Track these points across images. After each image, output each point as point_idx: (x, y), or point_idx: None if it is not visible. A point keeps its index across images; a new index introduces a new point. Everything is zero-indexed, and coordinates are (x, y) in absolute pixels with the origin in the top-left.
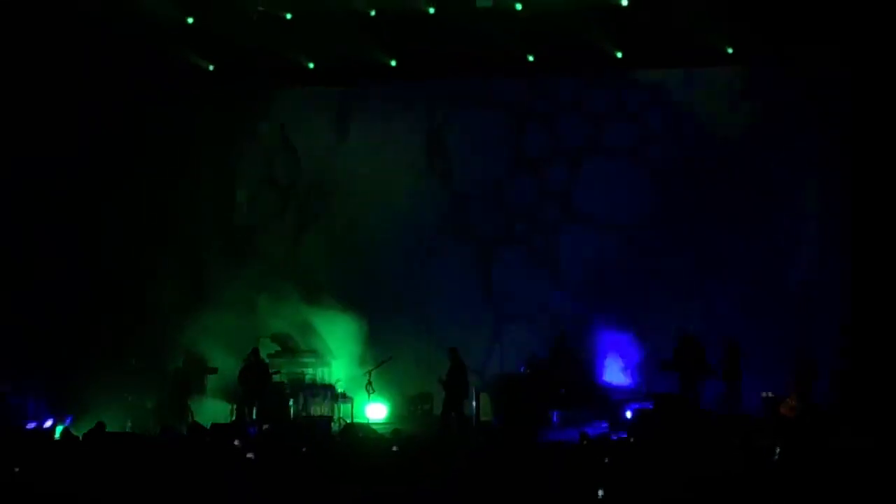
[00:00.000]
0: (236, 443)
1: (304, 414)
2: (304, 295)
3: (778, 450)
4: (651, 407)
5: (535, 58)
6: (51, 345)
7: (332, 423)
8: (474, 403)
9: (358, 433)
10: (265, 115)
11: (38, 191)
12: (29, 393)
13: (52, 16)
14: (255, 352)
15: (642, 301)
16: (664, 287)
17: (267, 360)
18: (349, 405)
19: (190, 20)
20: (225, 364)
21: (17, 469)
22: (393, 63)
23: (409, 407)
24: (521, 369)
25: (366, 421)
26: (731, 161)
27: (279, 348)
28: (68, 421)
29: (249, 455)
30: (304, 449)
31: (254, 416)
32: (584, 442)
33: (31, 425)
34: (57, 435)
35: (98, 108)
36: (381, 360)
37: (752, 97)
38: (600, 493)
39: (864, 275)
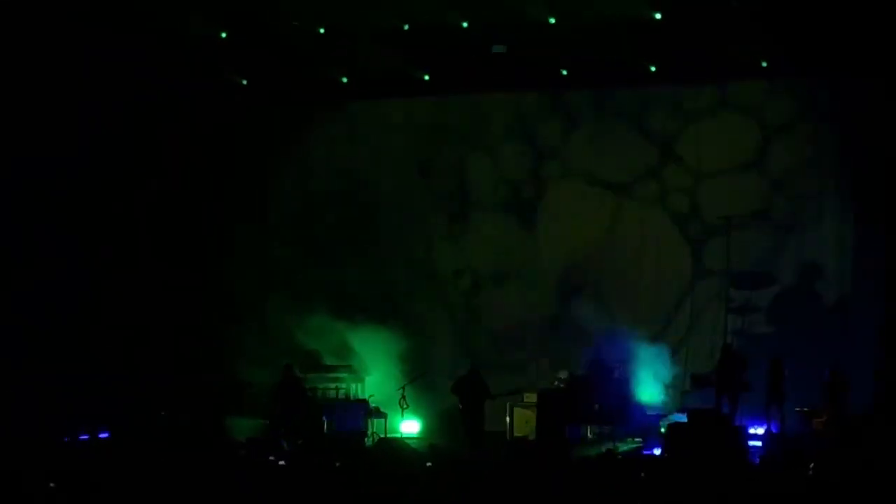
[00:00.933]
0: (271, 458)
1: (337, 429)
2: (338, 311)
3: (812, 465)
4: (685, 422)
5: (568, 72)
6: (87, 361)
7: (366, 438)
8: (508, 419)
9: (392, 448)
10: (299, 129)
11: (79, 209)
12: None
13: (92, 26)
14: (289, 367)
15: (675, 315)
16: (697, 301)
17: (300, 375)
18: (383, 420)
19: (223, 34)
20: (259, 379)
21: (52, 484)
22: (426, 77)
23: (442, 422)
24: (556, 384)
25: (399, 436)
26: (760, 171)
27: (309, 364)
28: (105, 436)
29: (281, 462)
30: (337, 464)
31: (288, 432)
32: (619, 457)
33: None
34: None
35: (137, 120)
36: (414, 375)
37: (779, 106)
38: None
39: None
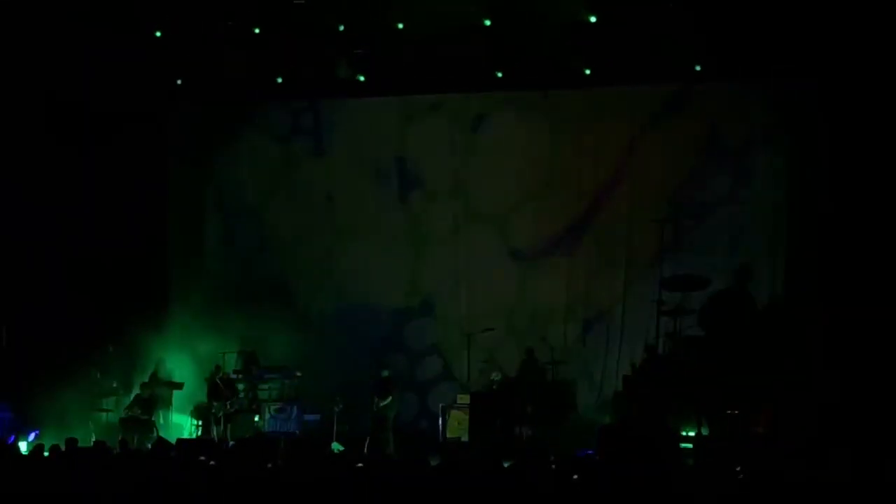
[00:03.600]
0: (202, 458)
1: (269, 429)
2: (270, 310)
3: (739, 469)
4: (617, 424)
5: (503, 74)
6: (13, 358)
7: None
8: (441, 420)
9: (325, 449)
10: (233, 131)
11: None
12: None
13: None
14: (219, 368)
15: (609, 315)
16: (630, 302)
17: (233, 376)
18: (316, 421)
19: (158, 34)
20: (191, 379)
21: None
22: (361, 78)
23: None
24: (491, 385)
25: (333, 437)
26: (695, 172)
27: (245, 364)
28: (34, 435)
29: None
30: (269, 465)
31: (220, 432)
32: (551, 460)
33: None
34: (24, 450)
35: (65, 122)
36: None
37: (715, 110)
38: None
39: (831, 288)
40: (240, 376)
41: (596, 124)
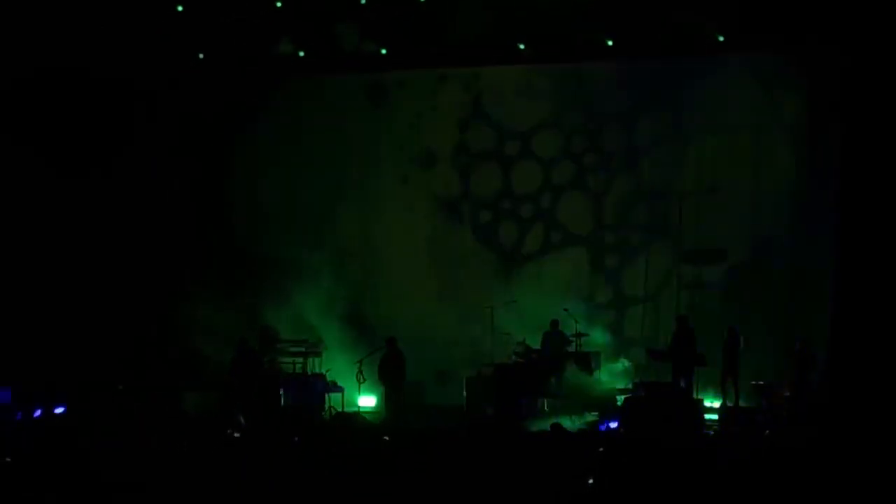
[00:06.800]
0: (228, 431)
1: (294, 403)
2: (296, 284)
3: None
4: (642, 395)
5: (525, 46)
6: (43, 335)
7: (323, 413)
8: (465, 393)
9: (348, 422)
10: (258, 107)
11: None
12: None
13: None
14: (244, 342)
15: (632, 287)
16: (651, 277)
17: (257, 350)
18: (340, 394)
19: (179, 8)
20: (216, 354)
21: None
22: (383, 52)
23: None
24: (513, 359)
25: (356, 410)
26: (716, 143)
27: (268, 338)
28: (61, 410)
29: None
30: (295, 438)
31: (245, 406)
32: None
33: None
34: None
35: (88, 97)
36: (371, 349)
37: (737, 81)
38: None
39: (851, 260)
40: (264, 349)
41: (609, 96)
